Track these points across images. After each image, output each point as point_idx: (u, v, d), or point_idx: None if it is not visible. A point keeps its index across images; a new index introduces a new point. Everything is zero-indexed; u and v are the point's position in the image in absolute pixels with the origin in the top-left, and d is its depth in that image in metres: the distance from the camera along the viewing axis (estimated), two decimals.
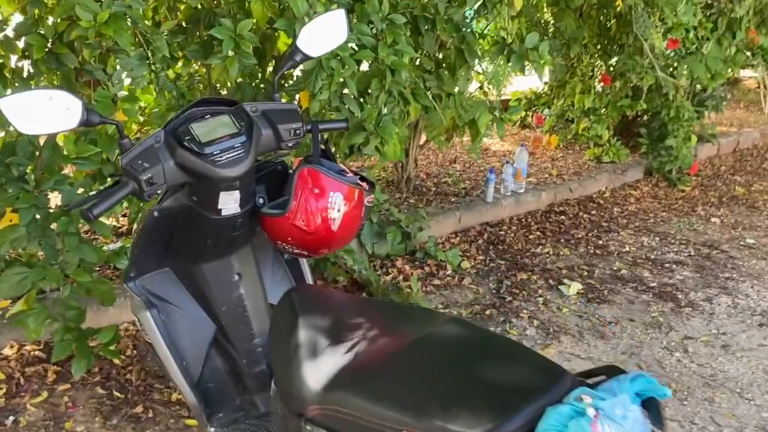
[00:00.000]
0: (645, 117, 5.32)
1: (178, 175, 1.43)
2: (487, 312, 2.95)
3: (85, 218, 1.31)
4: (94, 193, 1.44)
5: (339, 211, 1.56)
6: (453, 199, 4.01)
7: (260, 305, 1.77)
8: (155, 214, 1.51)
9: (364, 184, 1.66)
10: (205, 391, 1.78)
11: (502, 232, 3.84)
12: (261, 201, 1.63)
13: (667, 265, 3.54)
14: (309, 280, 1.83)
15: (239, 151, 1.45)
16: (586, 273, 3.39)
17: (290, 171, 1.68)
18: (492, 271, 3.37)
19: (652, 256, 3.65)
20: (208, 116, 1.48)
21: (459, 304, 3.02)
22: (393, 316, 1.36)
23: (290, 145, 1.60)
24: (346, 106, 2.39)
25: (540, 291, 3.18)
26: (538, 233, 3.89)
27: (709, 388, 2.48)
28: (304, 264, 1.82)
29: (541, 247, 3.69)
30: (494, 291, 3.16)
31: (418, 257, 3.36)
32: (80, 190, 2.21)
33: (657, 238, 3.92)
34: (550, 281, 3.28)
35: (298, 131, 1.59)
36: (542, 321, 2.90)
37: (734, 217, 4.33)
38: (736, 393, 2.45)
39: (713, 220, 4.27)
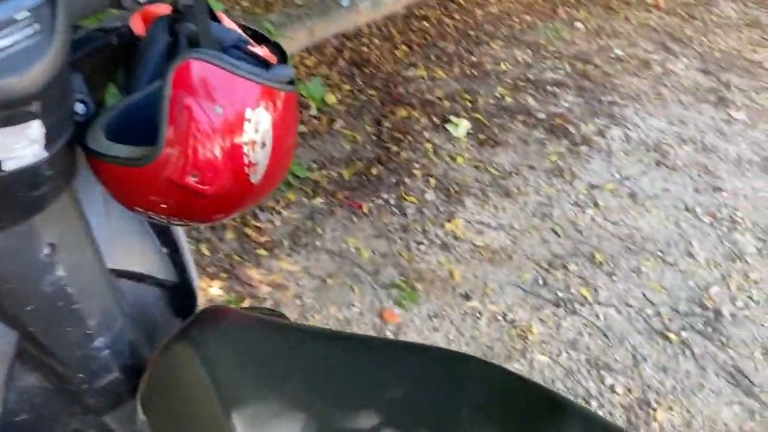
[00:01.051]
0: None
1: None
2: (373, 171, 2.34)
3: None
4: None
5: (265, 145, 0.78)
6: (299, 2, 3.11)
7: (97, 283, 0.99)
8: None
9: (288, 68, 0.87)
10: (16, 429, 1.04)
11: (364, 48, 3.09)
12: (82, 109, 0.78)
13: (549, 88, 3.12)
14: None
15: (28, 34, 0.59)
16: (469, 104, 2.85)
17: (134, 35, 0.83)
18: (365, 106, 2.69)
19: (531, 77, 3.19)
20: None
21: (336, 160, 2.35)
22: (397, 372, 0.70)
23: None
24: None
25: (426, 133, 2.60)
26: (404, 48, 3.20)
27: (632, 254, 2.21)
28: None
29: (412, 68, 3.03)
30: (374, 137, 2.52)
31: None
32: None
33: (529, 51, 3.46)
34: (434, 119, 2.70)
35: None
36: (439, 178, 2.37)
37: (595, 21, 3.96)
38: (658, 257, 2.21)
39: (577, 25, 3.87)
